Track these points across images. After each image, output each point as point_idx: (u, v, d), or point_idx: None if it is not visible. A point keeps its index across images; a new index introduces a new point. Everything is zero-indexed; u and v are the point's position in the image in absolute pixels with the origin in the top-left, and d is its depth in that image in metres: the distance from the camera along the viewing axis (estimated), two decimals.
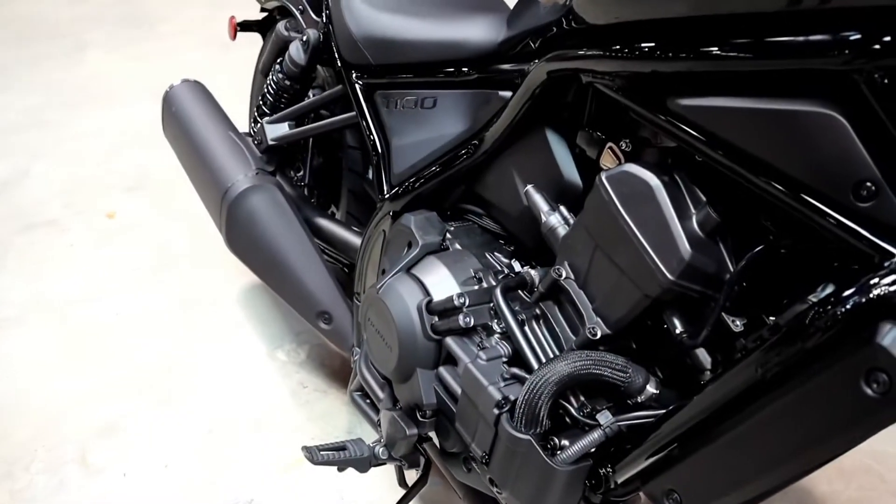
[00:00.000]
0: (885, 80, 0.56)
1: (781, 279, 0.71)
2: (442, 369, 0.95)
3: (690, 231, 0.72)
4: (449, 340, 0.93)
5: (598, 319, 0.81)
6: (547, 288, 0.86)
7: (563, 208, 0.88)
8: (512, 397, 0.83)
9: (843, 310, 0.57)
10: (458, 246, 1.03)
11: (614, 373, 0.78)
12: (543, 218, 0.88)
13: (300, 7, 1.47)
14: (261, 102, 1.48)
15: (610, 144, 0.85)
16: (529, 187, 0.92)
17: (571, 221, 0.87)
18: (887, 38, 0.54)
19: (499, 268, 1.00)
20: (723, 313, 0.73)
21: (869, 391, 0.55)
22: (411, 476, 1.16)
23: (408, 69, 1.16)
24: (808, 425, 0.59)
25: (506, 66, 0.98)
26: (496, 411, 0.83)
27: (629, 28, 0.73)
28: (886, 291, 0.55)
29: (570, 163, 0.91)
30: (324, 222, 1.41)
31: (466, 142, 1.04)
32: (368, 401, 1.19)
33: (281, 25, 1.43)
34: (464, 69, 1.07)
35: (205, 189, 1.43)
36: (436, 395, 0.96)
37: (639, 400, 0.79)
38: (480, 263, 0.99)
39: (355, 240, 1.36)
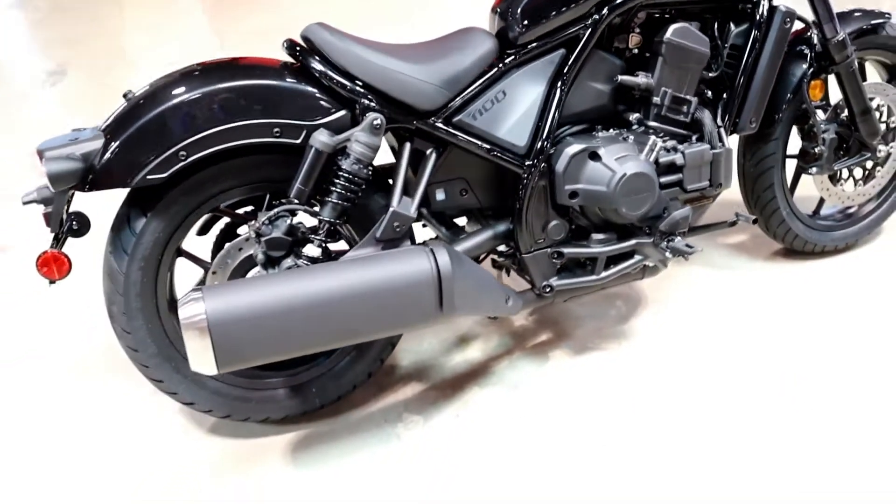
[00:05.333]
0: None
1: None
2: (663, 179, 1.71)
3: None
4: (665, 159, 1.69)
5: (689, 95, 1.76)
6: (669, 101, 1.73)
7: (641, 72, 1.72)
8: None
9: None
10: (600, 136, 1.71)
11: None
12: (642, 81, 1.70)
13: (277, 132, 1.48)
14: (336, 220, 1.50)
15: (632, 34, 1.73)
16: (620, 77, 1.70)
17: (648, 74, 1.72)
18: None
19: (614, 132, 1.74)
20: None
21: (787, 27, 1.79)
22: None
23: (470, 87, 1.60)
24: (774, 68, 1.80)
25: (556, 36, 1.64)
26: (711, 152, 1.72)
27: None
28: None
29: (617, 59, 1.73)
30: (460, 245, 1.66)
31: (551, 91, 1.65)
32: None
33: (323, 136, 1.43)
34: (511, 58, 1.63)
35: (399, 300, 1.44)
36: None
37: None
38: (611, 134, 1.72)
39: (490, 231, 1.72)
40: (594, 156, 1.66)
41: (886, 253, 2.24)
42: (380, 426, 1.77)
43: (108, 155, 1.41)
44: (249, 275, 1.61)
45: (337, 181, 1.49)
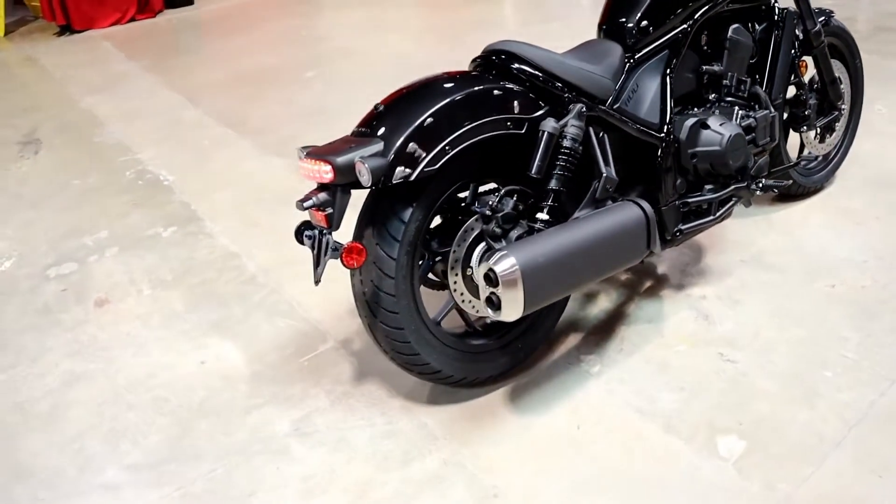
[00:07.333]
0: None
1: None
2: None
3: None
4: (745, 123, 2.25)
5: (744, 76, 2.34)
6: (735, 82, 2.29)
7: (715, 62, 2.27)
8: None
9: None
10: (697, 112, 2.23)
11: None
12: (717, 68, 2.25)
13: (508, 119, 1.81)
14: (561, 188, 1.86)
15: (703, 35, 2.28)
16: (703, 67, 2.24)
17: (718, 63, 2.28)
18: None
19: (701, 109, 2.27)
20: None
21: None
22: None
23: (619, 81, 2.05)
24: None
25: (662, 42, 2.15)
26: (771, 115, 2.31)
27: None
28: None
29: (695, 54, 2.27)
30: None
31: (664, 80, 2.15)
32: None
33: (551, 122, 1.78)
34: (637, 57, 2.12)
35: (629, 241, 1.83)
36: None
37: None
38: (703, 110, 2.25)
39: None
40: (704, 125, 2.17)
41: (849, 187, 3.00)
42: (568, 369, 2.13)
43: (393, 154, 1.67)
44: (476, 251, 1.91)
45: (561, 156, 1.86)
